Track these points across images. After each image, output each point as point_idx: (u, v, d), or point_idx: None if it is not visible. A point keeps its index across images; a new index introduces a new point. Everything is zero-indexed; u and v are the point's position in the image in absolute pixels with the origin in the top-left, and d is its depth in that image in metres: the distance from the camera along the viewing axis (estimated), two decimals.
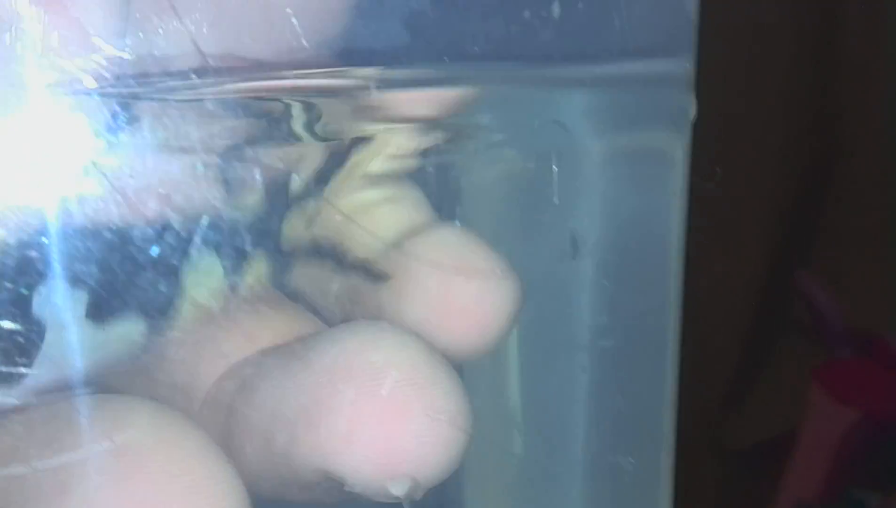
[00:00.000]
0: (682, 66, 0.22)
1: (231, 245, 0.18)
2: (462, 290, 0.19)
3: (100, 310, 0.17)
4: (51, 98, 0.16)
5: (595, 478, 0.23)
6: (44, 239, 0.16)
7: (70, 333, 0.17)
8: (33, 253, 0.16)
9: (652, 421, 0.23)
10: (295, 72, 0.18)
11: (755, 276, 0.68)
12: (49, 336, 0.17)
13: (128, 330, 0.18)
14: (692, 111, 0.23)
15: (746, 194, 0.61)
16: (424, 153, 0.20)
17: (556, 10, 0.19)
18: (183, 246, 0.18)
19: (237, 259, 0.19)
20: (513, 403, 0.23)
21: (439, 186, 0.21)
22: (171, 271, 0.18)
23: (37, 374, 0.17)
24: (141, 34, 0.16)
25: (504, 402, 0.23)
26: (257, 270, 0.19)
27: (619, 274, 0.22)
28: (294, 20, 0.17)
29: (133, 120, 0.17)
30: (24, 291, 0.16)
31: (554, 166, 0.21)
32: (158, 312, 0.18)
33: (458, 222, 0.21)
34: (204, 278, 0.18)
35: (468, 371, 0.22)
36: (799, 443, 0.69)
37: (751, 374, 0.70)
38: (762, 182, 0.63)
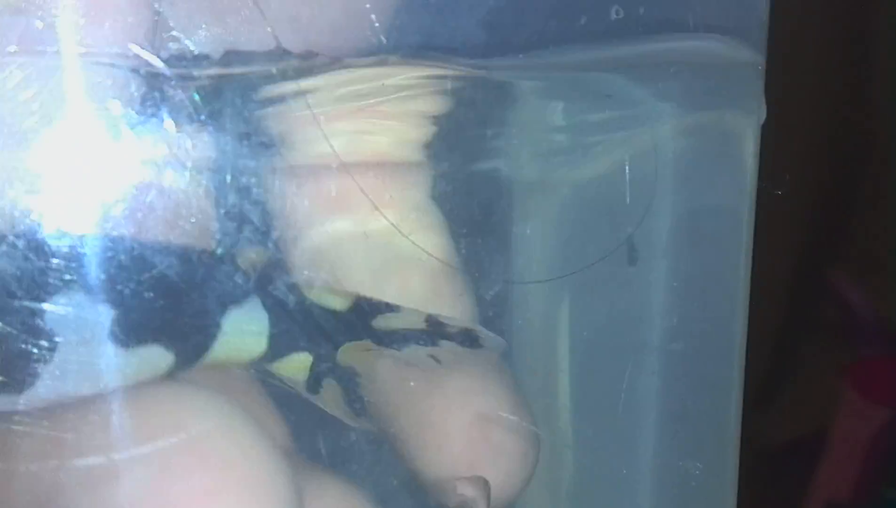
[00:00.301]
0: (754, 50, 0.22)
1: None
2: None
3: (127, 333, 0.16)
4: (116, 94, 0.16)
5: (663, 483, 0.22)
6: (81, 248, 0.16)
7: (90, 349, 0.16)
8: (65, 263, 0.16)
9: (720, 425, 0.23)
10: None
11: (786, 274, 0.67)
12: (67, 349, 0.16)
13: (155, 357, 0.17)
14: (763, 107, 0.22)
15: (778, 192, 0.61)
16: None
17: None
18: (230, 286, 0.17)
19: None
20: (578, 407, 0.23)
21: (509, 186, 0.21)
22: (214, 308, 0.17)
23: (50, 385, 0.16)
24: (221, 29, 0.16)
25: (568, 407, 0.23)
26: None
27: (690, 275, 0.22)
28: (373, 15, 0.17)
29: (214, 114, 0.16)
30: (40, 301, 0.16)
31: (626, 166, 0.21)
32: (192, 350, 0.17)
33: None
34: (246, 324, 0.17)
35: (529, 376, 0.22)
36: (830, 443, 0.69)
37: (781, 373, 0.69)
38: (793, 180, 0.63)
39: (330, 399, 0.19)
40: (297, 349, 0.18)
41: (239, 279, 0.17)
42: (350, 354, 0.18)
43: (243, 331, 0.17)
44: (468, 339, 0.18)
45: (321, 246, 0.18)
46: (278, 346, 0.18)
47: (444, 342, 0.18)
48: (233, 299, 0.17)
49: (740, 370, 0.23)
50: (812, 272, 0.68)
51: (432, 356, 0.18)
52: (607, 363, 0.22)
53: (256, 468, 0.16)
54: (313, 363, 0.18)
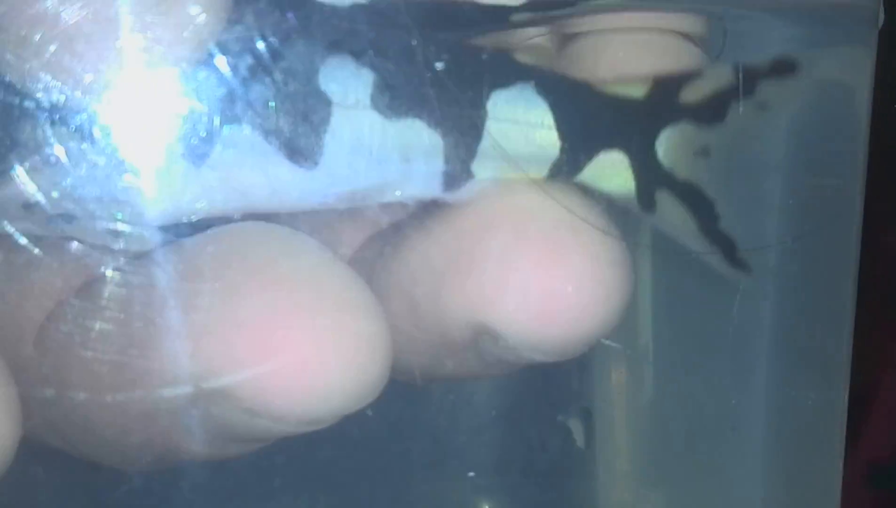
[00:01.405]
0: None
1: None
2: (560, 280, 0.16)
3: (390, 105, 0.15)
4: None
5: (773, 414, 0.21)
6: None
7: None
8: None
9: (831, 356, 0.22)
10: None
11: None
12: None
13: (420, 134, 0.16)
14: (881, 11, 0.21)
15: None
16: None
17: None
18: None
19: None
20: (687, 330, 0.22)
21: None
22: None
23: None
24: None
25: (682, 329, 0.22)
26: None
27: (806, 192, 0.21)
28: None
29: None
30: None
31: (740, 75, 0.20)
32: (461, 136, 0.16)
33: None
34: (522, 112, 0.16)
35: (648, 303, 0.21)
36: (875, 402, 0.68)
37: None
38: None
39: (669, 218, 0.17)
40: (603, 146, 0.16)
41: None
42: (673, 150, 0.16)
43: (521, 120, 0.15)
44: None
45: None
46: (575, 142, 0.16)
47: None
48: (495, 81, 0.15)
49: (852, 298, 0.21)
50: (865, 230, 0.67)
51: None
52: (717, 286, 0.21)
53: (326, 283, 0.15)
54: (632, 165, 0.16)
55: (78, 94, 0.14)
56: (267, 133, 0.15)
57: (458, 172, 0.16)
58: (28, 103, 0.14)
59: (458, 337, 0.16)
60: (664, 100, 0.16)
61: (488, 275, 0.16)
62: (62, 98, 0.14)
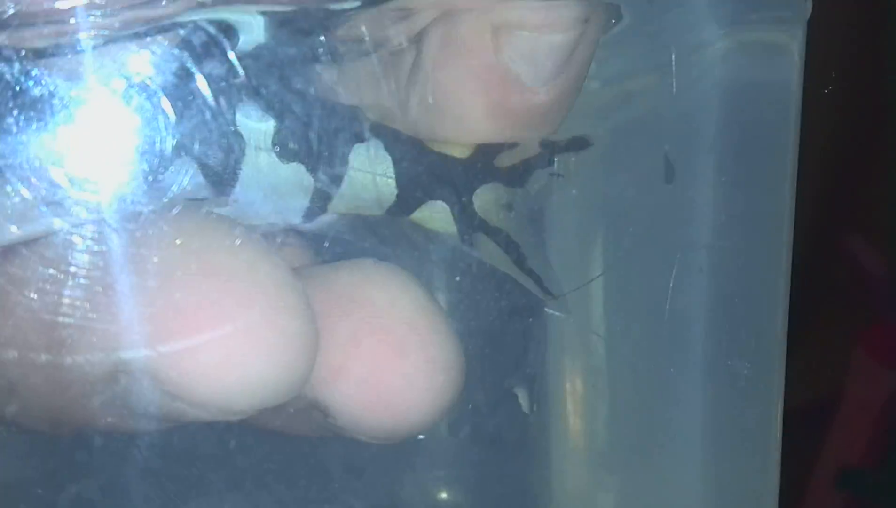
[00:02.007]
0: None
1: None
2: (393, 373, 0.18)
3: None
4: None
5: (711, 383, 0.22)
6: None
7: None
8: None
9: (766, 326, 0.23)
10: None
11: (799, 238, 0.67)
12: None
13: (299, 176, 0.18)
14: (808, 11, 0.22)
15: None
16: None
17: None
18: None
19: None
20: (629, 305, 0.22)
21: None
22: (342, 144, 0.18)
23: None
24: None
25: (620, 304, 0.22)
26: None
27: (737, 170, 0.22)
28: None
29: None
30: None
31: (672, 55, 0.21)
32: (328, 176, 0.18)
33: None
34: (371, 163, 0.18)
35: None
36: (842, 407, 0.69)
37: (794, 337, 0.69)
38: (807, 141, 0.63)
39: (491, 254, 0.20)
40: (429, 196, 0.19)
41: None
42: (486, 203, 0.19)
43: (370, 169, 0.18)
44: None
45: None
46: (408, 191, 0.19)
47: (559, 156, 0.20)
48: (357, 136, 0.18)
49: (787, 268, 0.22)
50: (827, 235, 0.68)
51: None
52: (654, 261, 0.22)
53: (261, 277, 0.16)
54: (453, 213, 0.19)
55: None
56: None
57: (318, 208, 0.18)
58: None
59: (296, 404, 0.17)
60: (482, 162, 0.19)
61: (333, 355, 0.17)
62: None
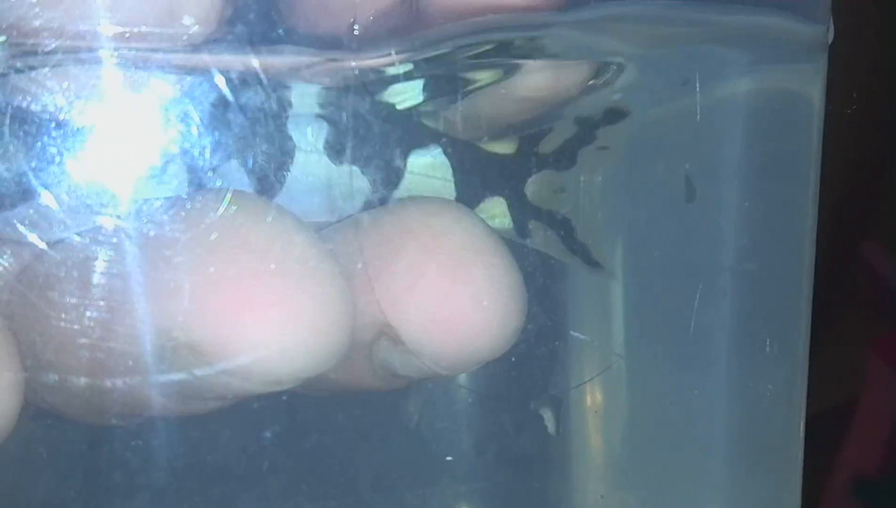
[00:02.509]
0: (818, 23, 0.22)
1: None
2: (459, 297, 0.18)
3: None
4: None
5: (734, 405, 0.22)
6: None
7: None
8: None
9: (790, 348, 0.23)
10: None
11: (816, 245, 0.67)
12: None
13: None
14: (832, 28, 0.22)
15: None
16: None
17: None
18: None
19: None
20: (651, 327, 0.23)
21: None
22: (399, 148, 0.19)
23: None
24: None
25: (642, 324, 0.23)
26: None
27: (761, 195, 0.22)
28: None
29: None
30: None
31: (697, 86, 0.21)
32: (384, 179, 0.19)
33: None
34: (430, 169, 0.19)
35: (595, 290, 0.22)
36: (858, 415, 0.69)
37: (810, 345, 0.69)
38: (826, 149, 0.63)
39: (541, 240, 0.20)
40: (486, 194, 0.20)
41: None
42: (538, 191, 0.20)
43: (430, 174, 0.19)
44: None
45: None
46: (466, 190, 0.19)
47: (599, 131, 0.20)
48: (414, 143, 0.19)
49: (809, 292, 0.23)
50: (843, 243, 0.68)
51: None
52: (677, 283, 0.22)
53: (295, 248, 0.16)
54: (509, 206, 0.20)
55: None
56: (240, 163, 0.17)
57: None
58: None
59: (359, 336, 0.17)
60: (528, 152, 0.20)
61: (398, 280, 0.17)
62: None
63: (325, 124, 0.18)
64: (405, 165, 0.19)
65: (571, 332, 0.21)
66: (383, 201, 0.19)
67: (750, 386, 0.22)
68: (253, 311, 0.16)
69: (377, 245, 0.18)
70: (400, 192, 0.19)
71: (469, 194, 0.19)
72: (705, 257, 0.22)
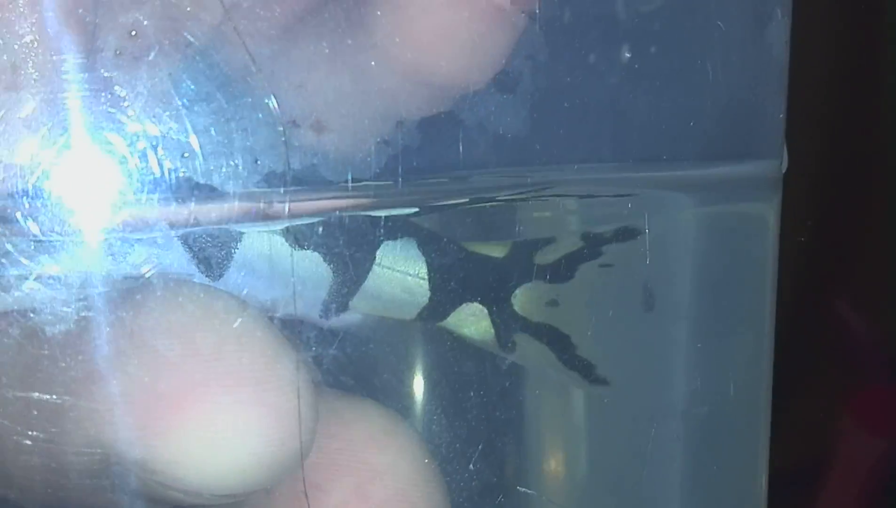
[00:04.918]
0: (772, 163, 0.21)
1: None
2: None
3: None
4: None
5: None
6: None
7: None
8: None
9: (746, 489, 0.22)
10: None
11: (785, 300, 0.67)
12: None
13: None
14: (785, 156, 0.22)
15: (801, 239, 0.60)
16: None
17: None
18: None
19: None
20: (603, 473, 0.22)
21: None
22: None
23: None
24: None
25: (594, 471, 0.22)
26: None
27: (712, 337, 0.21)
28: None
29: None
30: None
31: (646, 228, 0.20)
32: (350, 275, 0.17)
33: None
34: (402, 263, 0.17)
35: (551, 436, 0.21)
36: (828, 473, 0.68)
37: (780, 400, 0.69)
38: (792, 202, 0.62)
39: (529, 354, 0.19)
40: (464, 299, 0.18)
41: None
42: (528, 302, 0.18)
43: (401, 269, 0.17)
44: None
45: None
46: (442, 293, 0.18)
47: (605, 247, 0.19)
48: (387, 233, 0.17)
49: (766, 437, 0.22)
50: (813, 298, 0.67)
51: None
52: (634, 427, 0.21)
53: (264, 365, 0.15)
54: (490, 315, 0.18)
55: None
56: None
57: (336, 304, 0.17)
58: None
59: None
60: (521, 259, 0.18)
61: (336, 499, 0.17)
62: None
63: None
64: (373, 257, 0.17)
65: (518, 487, 0.20)
66: (345, 296, 0.17)
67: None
68: (200, 426, 0.15)
69: (315, 467, 0.17)
70: (364, 286, 0.17)
71: (444, 298, 0.18)
72: (657, 400, 0.21)
